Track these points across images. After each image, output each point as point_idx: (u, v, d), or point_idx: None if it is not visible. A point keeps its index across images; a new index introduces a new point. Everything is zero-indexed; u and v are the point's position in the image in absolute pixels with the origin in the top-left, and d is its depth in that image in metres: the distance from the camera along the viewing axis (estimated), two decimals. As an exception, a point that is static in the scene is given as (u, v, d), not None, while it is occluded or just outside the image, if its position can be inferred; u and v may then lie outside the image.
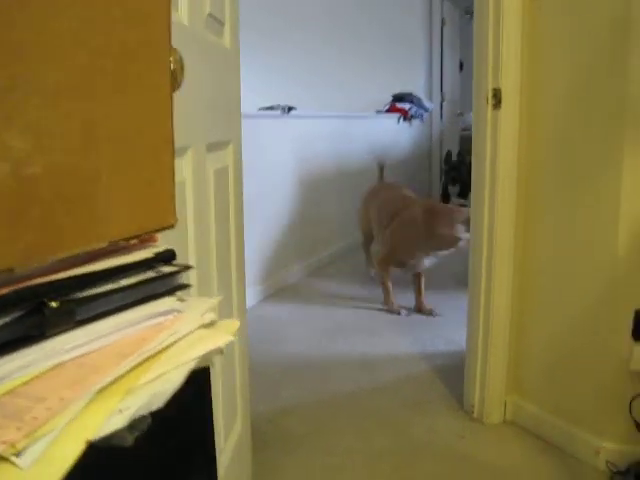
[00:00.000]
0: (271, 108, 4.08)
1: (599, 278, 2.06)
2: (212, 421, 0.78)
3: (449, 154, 6.32)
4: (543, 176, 2.23)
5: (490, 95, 2.23)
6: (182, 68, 0.93)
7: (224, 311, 1.59)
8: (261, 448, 2.22)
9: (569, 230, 2.15)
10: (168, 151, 0.69)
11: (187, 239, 1.25)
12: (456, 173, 6.09)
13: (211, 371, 1.34)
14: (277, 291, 4.24)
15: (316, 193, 4.80)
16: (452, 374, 2.80)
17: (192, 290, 1.27)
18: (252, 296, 3.93)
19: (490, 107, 2.24)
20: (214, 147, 1.49)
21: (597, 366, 2.09)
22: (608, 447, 2.07)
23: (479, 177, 2.33)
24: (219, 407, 1.55)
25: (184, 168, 1.25)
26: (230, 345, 1.69)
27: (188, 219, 1.26)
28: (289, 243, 4.46)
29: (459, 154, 6.04)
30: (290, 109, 4.19)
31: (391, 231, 3.76)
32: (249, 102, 4.06)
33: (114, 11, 0.61)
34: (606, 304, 2.05)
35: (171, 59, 0.89)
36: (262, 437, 2.32)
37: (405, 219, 3.67)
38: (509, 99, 2.21)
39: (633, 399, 2.00)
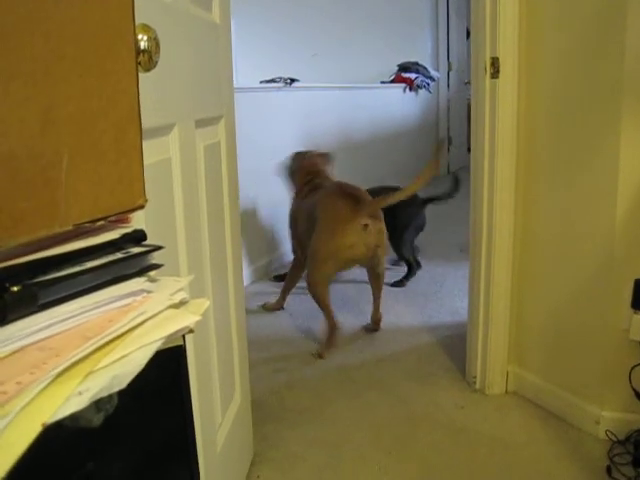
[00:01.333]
0: (273, 81, 4.05)
1: (599, 248, 2.05)
2: (189, 400, 0.78)
3: None
4: (542, 146, 2.21)
5: (488, 64, 2.20)
6: (157, 46, 0.92)
7: (219, 288, 1.60)
8: (265, 421, 2.25)
9: (568, 201, 2.14)
10: (134, 131, 0.69)
11: (175, 216, 1.25)
12: None
13: (195, 348, 1.35)
14: (280, 267, 4.24)
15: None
16: (455, 345, 2.80)
17: (181, 269, 1.27)
18: (258, 269, 3.95)
19: (488, 76, 2.22)
20: (204, 123, 1.48)
21: (597, 336, 2.09)
22: (608, 416, 2.07)
23: (478, 147, 2.32)
24: (215, 382, 1.57)
25: (171, 145, 1.25)
26: (226, 321, 1.70)
27: (176, 195, 1.26)
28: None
29: None
30: (293, 81, 4.16)
31: None
32: (250, 75, 4.05)
33: (71, -8, 0.61)
34: (606, 274, 2.04)
35: (144, 38, 0.88)
36: (266, 410, 2.34)
37: None
38: (507, 68, 2.18)
39: (633, 368, 2.00)
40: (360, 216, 2.71)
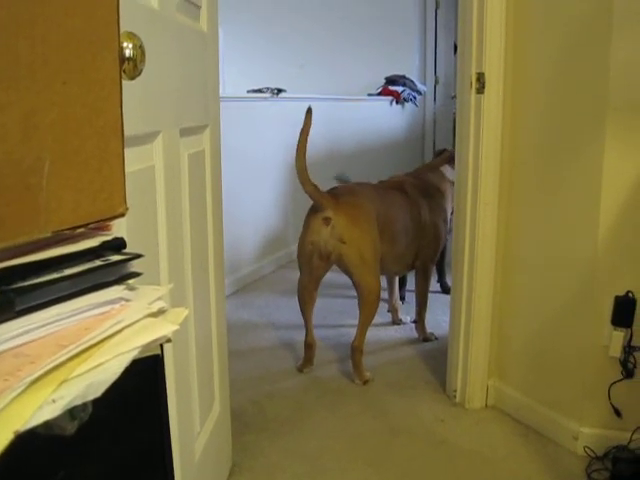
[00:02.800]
0: (260, 91, 4.06)
1: (580, 264, 2.07)
2: (166, 409, 0.78)
3: None
4: (525, 162, 2.23)
5: (474, 79, 2.22)
6: (143, 54, 0.92)
7: (200, 297, 1.59)
8: (244, 431, 2.24)
9: (551, 217, 2.15)
10: (116, 139, 0.69)
11: (157, 224, 1.25)
12: None
13: (174, 357, 1.34)
14: (264, 277, 4.25)
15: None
16: (437, 358, 2.81)
17: (162, 277, 1.27)
18: (239, 280, 3.94)
19: (474, 91, 2.23)
20: (189, 131, 1.48)
21: (577, 352, 2.10)
22: (586, 432, 2.08)
23: (462, 161, 2.33)
24: (194, 391, 1.56)
25: (155, 153, 1.25)
26: (207, 329, 1.70)
27: (158, 203, 1.26)
28: (278, 228, 4.46)
29: None
30: (280, 91, 4.17)
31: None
32: (237, 85, 4.05)
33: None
34: (586, 290, 2.05)
35: (129, 46, 0.88)
36: (246, 420, 2.33)
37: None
38: (493, 83, 2.20)
39: (612, 385, 2.02)
40: (321, 209, 2.55)
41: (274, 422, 2.35)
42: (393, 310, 3.36)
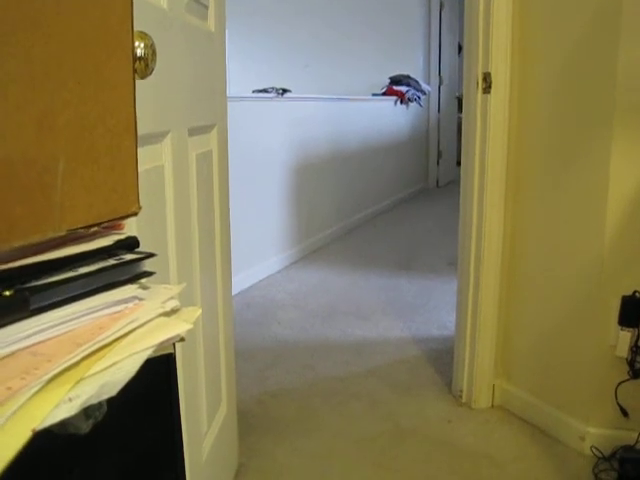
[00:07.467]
0: (265, 91, 4.06)
1: (587, 264, 2.06)
2: (178, 409, 0.78)
3: None
4: (532, 161, 2.22)
5: (480, 79, 2.22)
6: (154, 54, 0.92)
7: (208, 297, 1.59)
8: (249, 432, 2.24)
9: (558, 215, 2.15)
10: (130, 138, 0.69)
11: (166, 223, 1.25)
12: None
13: (182, 356, 1.35)
14: (270, 276, 4.25)
15: (311, 177, 4.79)
16: (442, 358, 2.81)
17: (171, 276, 1.27)
18: (246, 278, 3.94)
19: (480, 91, 2.23)
20: (197, 131, 1.48)
21: (584, 352, 2.10)
22: (593, 432, 2.08)
23: (468, 161, 2.33)
24: (202, 391, 1.56)
25: (164, 152, 1.25)
26: (214, 329, 1.70)
27: (167, 202, 1.26)
28: (282, 228, 4.46)
29: None
30: (285, 91, 4.18)
31: None
32: (242, 84, 4.06)
33: (70, -2, 0.61)
34: (593, 290, 2.05)
35: (141, 45, 0.89)
36: (251, 420, 2.33)
37: None
38: (499, 83, 2.20)
39: (619, 385, 2.01)
40: None
41: (279, 422, 2.35)
42: None
